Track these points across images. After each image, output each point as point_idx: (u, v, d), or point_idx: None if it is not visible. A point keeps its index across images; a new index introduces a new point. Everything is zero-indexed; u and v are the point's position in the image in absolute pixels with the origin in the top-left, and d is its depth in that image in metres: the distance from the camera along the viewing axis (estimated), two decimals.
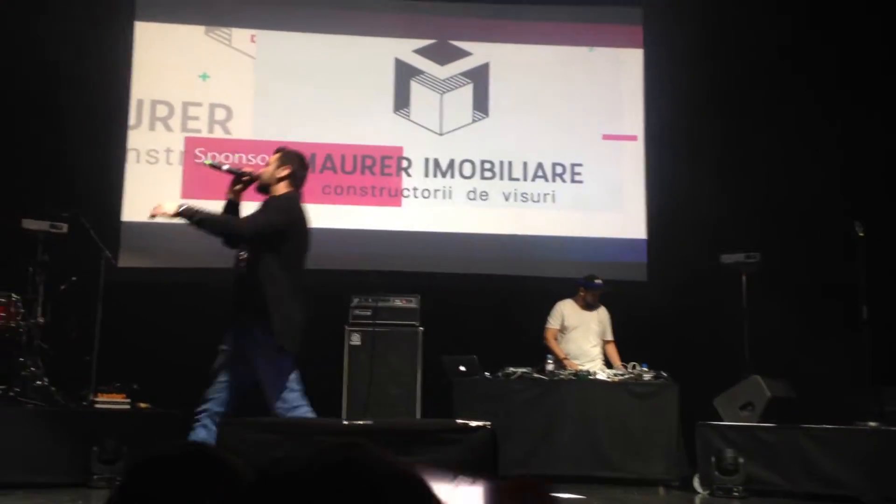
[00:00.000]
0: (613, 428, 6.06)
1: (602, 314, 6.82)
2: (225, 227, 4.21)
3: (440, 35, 7.92)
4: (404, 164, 7.72)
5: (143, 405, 5.83)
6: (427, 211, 7.68)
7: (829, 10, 7.33)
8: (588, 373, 6.34)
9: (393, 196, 7.68)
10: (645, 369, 6.26)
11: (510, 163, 7.78)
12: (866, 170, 7.17)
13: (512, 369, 6.32)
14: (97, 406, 5.68)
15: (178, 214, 4.12)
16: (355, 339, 6.72)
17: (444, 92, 7.85)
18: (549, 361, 6.42)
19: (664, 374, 6.21)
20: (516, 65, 7.92)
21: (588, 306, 6.80)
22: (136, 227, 7.15)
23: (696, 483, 5.68)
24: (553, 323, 6.80)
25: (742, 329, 6.35)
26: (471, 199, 7.71)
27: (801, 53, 7.39)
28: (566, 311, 6.80)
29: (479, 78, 7.88)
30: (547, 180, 7.77)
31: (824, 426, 5.56)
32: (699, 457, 5.68)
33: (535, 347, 6.67)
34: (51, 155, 7.05)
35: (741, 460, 5.48)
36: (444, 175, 7.73)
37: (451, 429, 4.93)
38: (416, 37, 7.90)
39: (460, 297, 7.24)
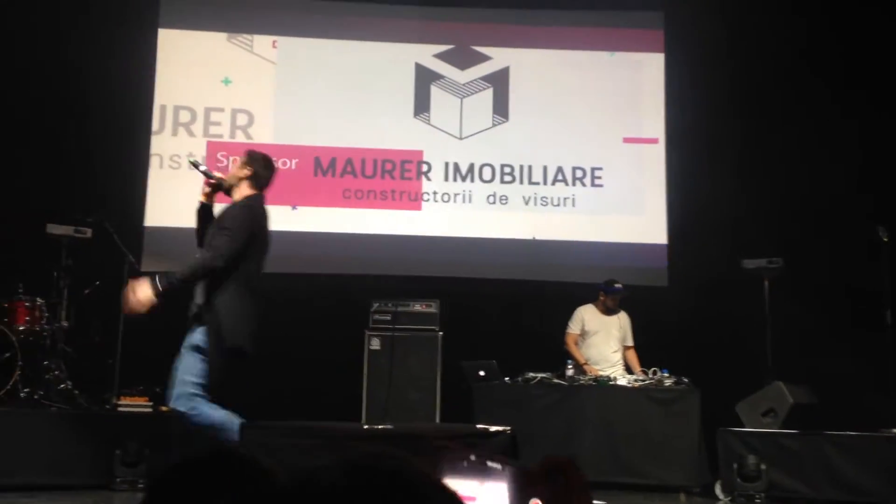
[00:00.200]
0: (634, 434, 6.03)
1: (623, 319, 6.80)
2: (202, 271, 4.09)
3: (460, 40, 7.94)
4: (424, 168, 7.74)
5: (165, 408, 5.85)
6: (447, 215, 7.70)
7: (848, 10, 7.28)
8: (608, 378, 6.31)
9: (413, 200, 7.70)
10: (666, 375, 6.22)
11: (530, 167, 7.77)
12: (887, 170, 7.10)
13: (531, 374, 6.30)
14: (120, 409, 5.73)
15: (158, 295, 4.03)
16: (375, 344, 6.74)
17: (464, 96, 7.86)
18: (569, 367, 6.40)
19: (685, 380, 6.17)
20: (536, 69, 7.92)
21: (608, 311, 6.78)
22: (159, 232, 7.22)
23: (718, 490, 5.64)
24: (573, 328, 6.78)
25: (764, 334, 6.30)
26: (490, 203, 7.71)
27: (820, 54, 7.33)
28: (587, 316, 6.79)
29: (499, 82, 7.89)
30: (567, 184, 7.76)
31: (848, 433, 5.51)
32: (721, 463, 5.63)
33: (555, 352, 6.65)
34: (75, 160, 7.15)
35: (763, 467, 5.43)
36: (463, 179, 7.74)
37: (471, 434, 4.95)
38: (437, 42, 7.92)
39: (480, 302, 7.24)
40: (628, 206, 7.72)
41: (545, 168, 7.77)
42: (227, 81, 7.69)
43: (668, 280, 7.57)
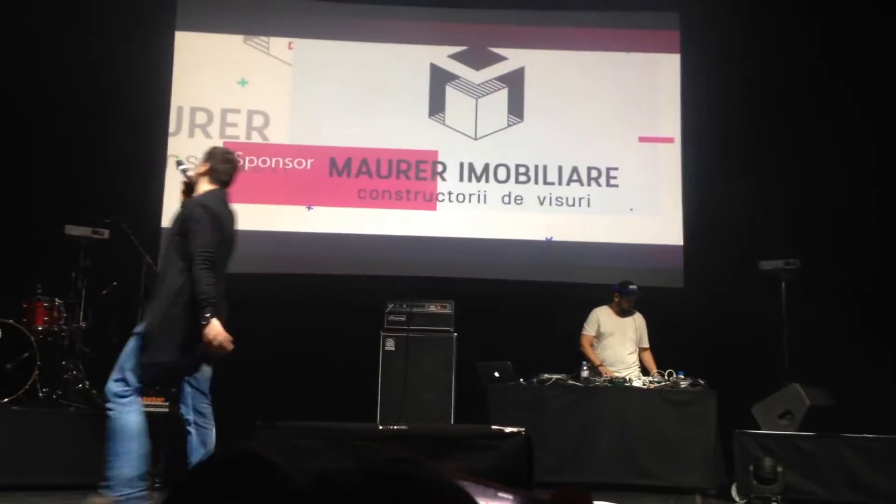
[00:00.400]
0: (649, 435, 6.01)
1: (638, 321, 6.78)
2: (205, 280, 3.99)
3: (475, 41, 7.94)
4: (439, 168, 7.75)
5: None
6: (462, 215, 7.70)
7: (863, 10, 7.23)
8: (624, 380, 6.30)
9: (428, 200, 7.71)
10: (682, 377, 6.20)
11: (545, 167, 7.76)
12: None
13: (546, 376, 6.29)
14: None
15: (222, 325, 3.98)
16: (390, 345, 6.75)
17: (479, 96, 7.86)
18: (585, 368, 6.39)
19: (701, 382, 6.15)
20: (551, 69, 7.91)
21: (623, 312, 6.77)
22: None
23: (734, 492, 5.62)
24: (589, 329, 6.78)
25: (781, 336, 6.27)
26: (505, 204, 7.71)
27: (834, 54, 7.29)
28: (602, 318, 6.78)
29: (514, 82, 7.89)
30: (582, 184, 7.75)
31: (864, 435, 5.48)
32: (737, 465, 5.62)
33: (570, 354, 6.65)
34: (93, 162, 7.20)
35: (780, 469, 5.41)
36: (478, 179, 7.74)
37: (486, 435, 4.95)
38: (452, 43, 7.93)
39: (495, 303, 7.24)
40: (644, 206, 7.69)
41: (560, 168, 7.76)
42: (243, 83, 7.73)
43: (684, 281, 7.54)
